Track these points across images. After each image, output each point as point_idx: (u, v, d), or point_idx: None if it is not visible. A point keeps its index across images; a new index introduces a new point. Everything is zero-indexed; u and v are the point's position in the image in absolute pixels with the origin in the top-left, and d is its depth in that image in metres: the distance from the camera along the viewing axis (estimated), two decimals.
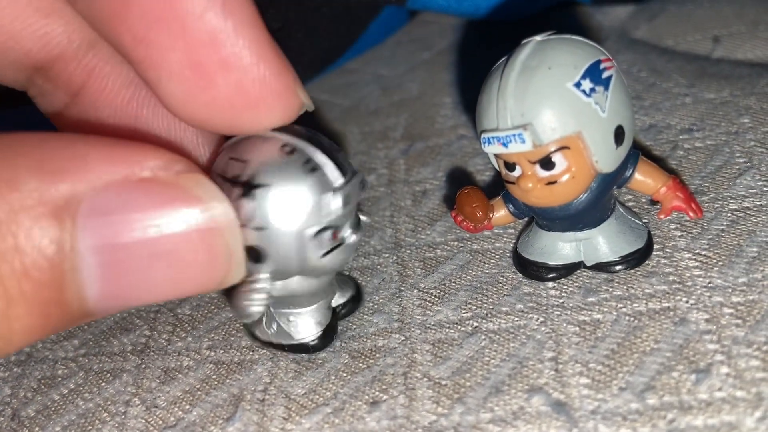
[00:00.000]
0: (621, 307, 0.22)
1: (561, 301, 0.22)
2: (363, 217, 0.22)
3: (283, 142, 0.19)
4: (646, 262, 0.23)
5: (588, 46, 0.21)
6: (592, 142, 0.20)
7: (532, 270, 0.23)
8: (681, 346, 0.20)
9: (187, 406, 0.22)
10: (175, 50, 0.17)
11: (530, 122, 0.20)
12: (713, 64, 0.32)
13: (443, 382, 0.21)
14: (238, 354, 0.24)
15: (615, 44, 0.34)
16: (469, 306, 0.23)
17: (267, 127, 0.19)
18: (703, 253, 0.22)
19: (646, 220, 0.24)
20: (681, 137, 0.27)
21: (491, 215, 0.23)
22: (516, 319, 0.22)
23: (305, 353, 0.23)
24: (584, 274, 0.23)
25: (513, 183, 0.21)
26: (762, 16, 0.33)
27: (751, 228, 0.23)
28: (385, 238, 0.27)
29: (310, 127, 0.20)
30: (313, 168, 0.19)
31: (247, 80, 0.17)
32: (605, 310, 0.22)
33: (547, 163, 0.20)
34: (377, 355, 0.22)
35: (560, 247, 0.23)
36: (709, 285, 0.21)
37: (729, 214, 0.23)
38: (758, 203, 0.24)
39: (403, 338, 0.23)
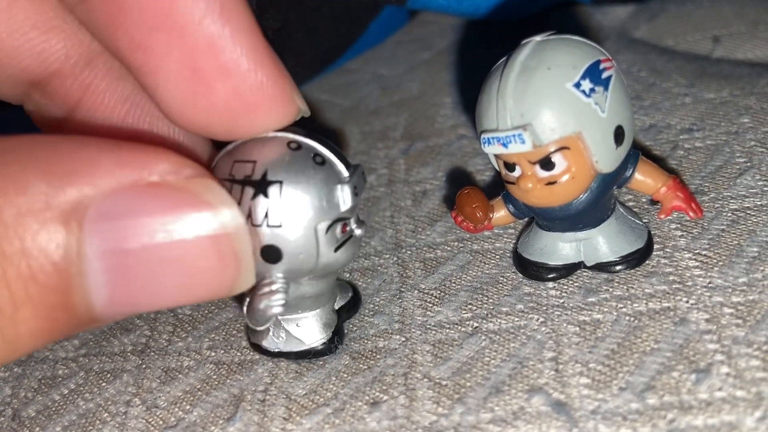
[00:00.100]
0: (621, 307, 0.22)
1: (561, 301, 0.22)
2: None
3: (289, 140, 0.19)
4: (647, 262, 0.23)
5: (587, 46, 0.21)
6: (591, 142, 0.20)
7: (532, 270, 0.23)
8: (681, 346, 0.20)
9: (188, 407, 0.22)
10: (173, 56, 0.17)
11: (530, 123, 0.20)
12: (713, 64, 0.32)
13: (443, 383, 0.21)
14: (239, 354, 0.24)
15: (615, 44, 0.34)
16: (470, 306, 0.23)
17: (264, 132, 0.19)
18: (704, 253, 0.22)
19: (646, 220, 0.24)
20: (681, 137, 0.27)
21: (491, 215, 0.23)
22: (516, 319, 0.22)
23: (316, 357, 0.23)
24: (584, 274, 0.23)
25: (513, 183, 0.21)
26: (762, 16, 0.33)
27: (751, 228, 0.23)
28: (386, 239, 0.27)
29: (311, 126, 0.20)
30: (322, 161, 0.19)
31: (244, 86, 0.17)
32: (605, 310, 0.22)
33: (546, 164, 0.20)
34: (378, 356, 0.22)
35: (560, 248, 0.23)
36: (710, 285, 0.21)
37: (729, 214, 0.23)
38: (758, 203, 0.24)
39: (403, 339, 0.23)
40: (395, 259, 0.26)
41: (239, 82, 0.17)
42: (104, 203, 0.15)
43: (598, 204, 0.22)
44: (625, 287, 0.22)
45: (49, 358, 0.25)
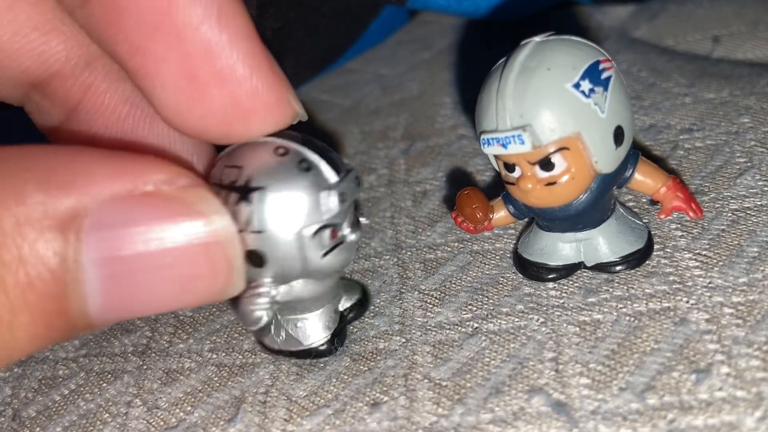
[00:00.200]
0: (621, 308, 0.22)
1: (561, 301, 0.22)
2: (362, 219, 0.22)
3: (276, 145, 0.19)
4: (647, 262, 0.23)
5: (587, 46, 0.21)
6: (591, 142, 0.20)
7: (532, 271, 0.23)
8: (681, 346, 0.20)
9: (189, 408, 0.22)
10: (170, 61, 0.17)
11: (529, 123, 0.20)
12: (713, 64, 0.32)
13: (444, 383, 0.21)
14: (240, 357, 0.24)
15: (615, 44, 0.34)
16: (470, 307, 0.23)
17: (259, 137, 0.19)
18: (704, 253, 0.22)
19: (646, 220, 0.24)
20: (681, 137, 0.27)
21: (491, 216, 0.23)
22: (516, 319, 0.22)
23: (315, 358, 0.23)
24: (584, 274, 0.23)
25: (513, 184, 0.21)
26: (762, 16, 0.33)
27: (751, 228, 0.23)
28: (386, 240, 0.27)
29: (311, 126, 0.20)
30: (307, 167, 0.19)
31: (240, 92, 0.18)
32: (605, 310, 0.22)
33: (546, 164, 0.20)
34: (378, 357, 0.22)
35: (560, 248, 0.23)
36: (710, 285, 0.21)
37: (729, 214, 0.23)
38: (759, 203, 0.24)
39: (403, 340, 0.23)
40: (395, 260, 0.26)
41: (235, 88, 0.18)
42: (100, 212, 0.16)
43: (598, 204, 0.22)
44: (625, 287, 0.22)
45: (50, 359, 0.25)
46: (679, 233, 0.23)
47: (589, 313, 0.22)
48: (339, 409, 0.21)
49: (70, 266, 0.15)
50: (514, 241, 0.25)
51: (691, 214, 0.22)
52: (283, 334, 0.23)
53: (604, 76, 0.20)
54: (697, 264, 0.22)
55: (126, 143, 0.20)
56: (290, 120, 0.19)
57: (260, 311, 0.20)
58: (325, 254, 0.19)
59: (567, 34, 0.21)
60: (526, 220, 0.25)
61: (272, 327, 0.23)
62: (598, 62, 0.20)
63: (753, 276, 0.21)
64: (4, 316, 0.15)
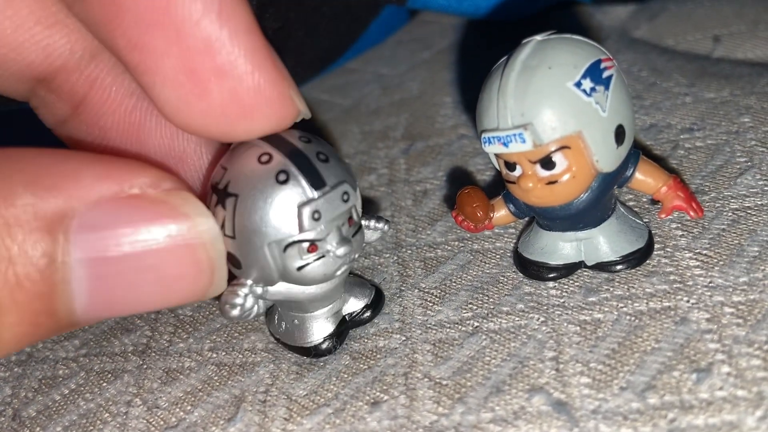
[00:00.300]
0: (622, 307, 0.22)
1: (562, 300, 0.22)
2: (379, 225, 0.22)
3: (263, 151, 0.19)
4: (647, 261, 0.23)
5: (588, 45, 0.21)
6: (592, 141, 0.20)
7: (532, 270, 0.23)
8: (682, 346, 0.20)
9: (189, 407, 0.22)
10: (170, 56, 0.17)
11: (530, 122, 0.20)
12: (713, 64, 0.32)
13: (444, 382, 0.21)
14: (240, 356, 0.24)
15: (615, 44, 0.34)
16: (470, 306, 0.23)
17: (262, 135, 0.19)
18: (704, 252, 0.22)
19: (646, 220, 0.24)
20: (681, 137, 0.27)
21: (492, 215, 0.23)
22: (517, 318, 0.22)
23: (306, 356, 0.23)
24: (585, 273, 0.23)
25: (513, 183, 0.21)
26: (762, 16, 0.33)
27: (752, 227, 0.23)
28: (386, 238, 0.27)
29: (311, 126, 0.20)
30: (284, 180, 0.18)
31: (241, 88, 0.17)
32: (606, 309, 0.22)
33: (547, 163, 0.20)
34: (378, 356, 0.22)
35: (561, 247, 0.23)
36: (710, 284, 0.21)
37: (730, 214, 0.23)
38: (759, 202, 0.24)
39: (403, 338, 0.23)
40: (395, 258, 0.26)
41: (236, 84, 0.17)
42: (87, 214, 0.16)
43: (599, 203, 0.22)
44: (625, 287, 0.22)
45: (50, 358, 0.25)
46: (680, 233, 0.23)
47: (590, 312, 0.22)
48: (339, 408, 0.21)
49: (58, 266, 0.16)
50: (514, 240, 0.25)
51: (691, 213, 0.22)
52: (283, 326, 0.23)
53: (605, 75, 0.20)
54: (697, 263, 0.22)
55: (131, 138, 0.20)
56: (293, 118, 0.19)
57: (234, 311, 0.20)
58: (301, 268, 0.19)
59: (568, 33, 0.21)
60: (526, 219, 0.25)
61: (276, 317, 0.23)
62: (599, 61, 0.20)
63: (753, 275, 0.21)
64: None
